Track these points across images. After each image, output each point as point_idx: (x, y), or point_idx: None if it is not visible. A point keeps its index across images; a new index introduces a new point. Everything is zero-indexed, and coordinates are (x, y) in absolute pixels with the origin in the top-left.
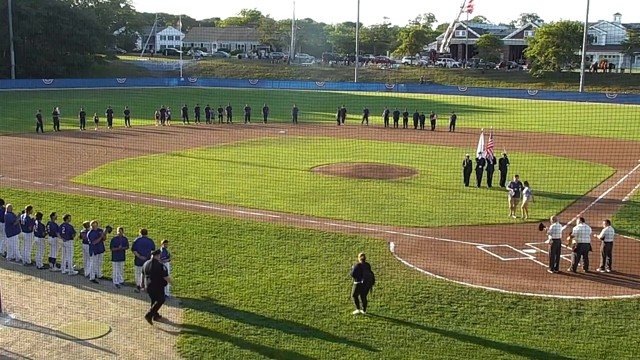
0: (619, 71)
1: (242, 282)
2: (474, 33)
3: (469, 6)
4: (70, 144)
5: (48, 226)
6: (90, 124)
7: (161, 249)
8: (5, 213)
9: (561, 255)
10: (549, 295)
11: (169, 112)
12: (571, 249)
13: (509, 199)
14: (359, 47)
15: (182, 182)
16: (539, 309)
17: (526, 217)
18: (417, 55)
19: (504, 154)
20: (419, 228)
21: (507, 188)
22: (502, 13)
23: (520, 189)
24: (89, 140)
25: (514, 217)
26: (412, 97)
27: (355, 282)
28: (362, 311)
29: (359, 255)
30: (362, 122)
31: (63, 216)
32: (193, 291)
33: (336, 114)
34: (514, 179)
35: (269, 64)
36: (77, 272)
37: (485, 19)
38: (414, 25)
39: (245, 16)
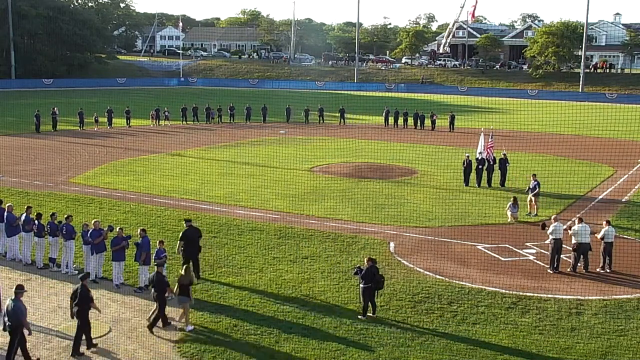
0: (619, 71)
1: (242, 282)
2: (474, 33)
3: (472, 10)
4: (70, 144)
5: (48, 226)
6: (90, 124)
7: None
8: (6, 214)
9: (561, 255)
10: (549, 295)
11: (166, 113)
12: (571, 248)
13: (509, 206)
14: (359, 47)
15: (182, 182)
16: (539, 309)
17: (534, 214)
18: (417, 55)
19: (504, 154)
20: (419, 228)
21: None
22: (502, 13)
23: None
24: (89, 140)
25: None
26: (412, 97)
27: (362, 286)
28: (371, 314)
29: (367, 259)
30: (340, 122)
31: (65, 216)
32: (193, 291)
33: (302, 113)
34: (531, 179)
35: (269, 64)
36: (77, 272)
37: (485, 19)
38: (414, 25)
39: (245, 16)
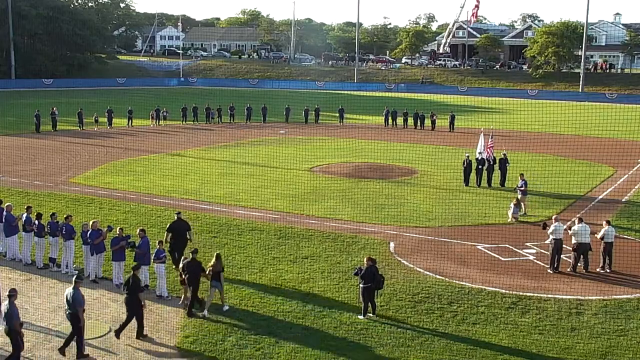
0: (619, 71)
1: (242, 282)
2: (474, 33)
3: (475, 10)
4: (70, 144)
5: (48, 226)
6: (89, 124)
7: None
8: (5, 213)
9: (561, 255)
10: (549, 295)
11: (165, 113)
12: (571, 248)
13: (512, 206)
14: (359, 47)
15: (182, 182)
16: (539, 309)
17: (522, 213)
18: (417, 55)
19: (504, 154)
20: (419, 228)
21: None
22: (502, 13)
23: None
24: (89, 140)
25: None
26: (412, 97)
27: (362, 286)
28: (371, 314)
29: (366, 258)
30: (339, 122)
31: (64, 216)
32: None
33: (302, 113)
34: (519, 178)
35: (269, 64)
36: (77, 272)
37: (485, 19)
38: (414, 25)
39: (245, 16)
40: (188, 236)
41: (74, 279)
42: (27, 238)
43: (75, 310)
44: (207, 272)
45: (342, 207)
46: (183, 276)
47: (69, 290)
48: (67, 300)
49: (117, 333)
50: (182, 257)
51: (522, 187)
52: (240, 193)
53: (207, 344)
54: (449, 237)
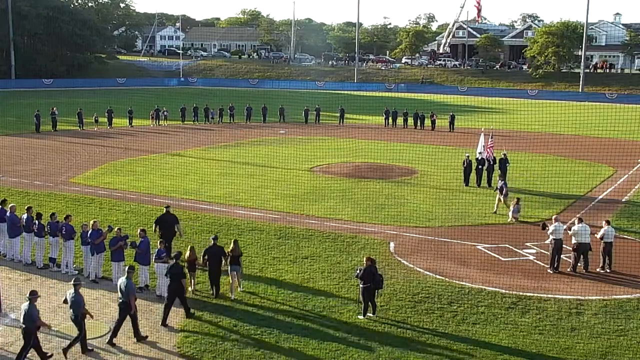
0: (619, 71)
1: (242, 282)
2: (474, 33)
3: (477, 10)
4: (70, 144)
5: (48, 226)
6: (89, 124)
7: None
8: (8, 214)
9: (561, 255)
10: (549, 295)
11: (165, 113)
12: (571, 248)
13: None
14: (359, 47)
15: (182, 182)
16: (539, 309)
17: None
18: (417, 55)
19: (504, 154)
20: (419, 228)
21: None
22: (502, 13)
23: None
24: (89, 140)
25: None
26: (412, 97)
27: (362, 286)
28: (371, 314)
29: (365, 258)
30: (339, 122)
31: (64, 216)
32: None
33: (303, 113)
34: (498, 179)
35: (269, 64)
36: (77, 272)
37: (485, 19)
38: (414, 25)
39: (245, 16)
40: (177, 229)
41: (126, 269)
42: (27, 238)
43: (128, 298)
44: (227, 257)
45: (342, 207)
46: (202, 261)
47: (122, 279)
48: (120, 290)
49: (164, 322)
50: (190, 247)
51: (501, 188)
52: (240, 193)
53: (207, 344)
54: (449, 237)
